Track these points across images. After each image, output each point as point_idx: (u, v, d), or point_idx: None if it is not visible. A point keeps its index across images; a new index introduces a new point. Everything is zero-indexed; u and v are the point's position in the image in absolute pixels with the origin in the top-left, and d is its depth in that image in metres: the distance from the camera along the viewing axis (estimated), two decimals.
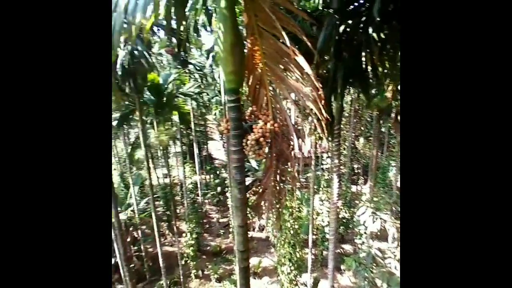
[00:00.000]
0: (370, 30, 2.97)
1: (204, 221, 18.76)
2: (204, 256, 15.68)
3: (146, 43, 6.38)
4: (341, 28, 3.05)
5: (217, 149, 28.45)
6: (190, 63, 12.34)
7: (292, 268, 11.68)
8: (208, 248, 16.67)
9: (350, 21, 3.00)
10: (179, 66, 10.66)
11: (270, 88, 2.58)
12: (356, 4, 3.07)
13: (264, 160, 2.85)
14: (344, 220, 15.23)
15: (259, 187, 3.10)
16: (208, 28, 6.15)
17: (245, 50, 2.44)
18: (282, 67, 2.37)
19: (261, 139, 2.51)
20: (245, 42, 2.43)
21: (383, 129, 18.03)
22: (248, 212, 3.33)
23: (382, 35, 3.11)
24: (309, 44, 2.20)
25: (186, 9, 2.53)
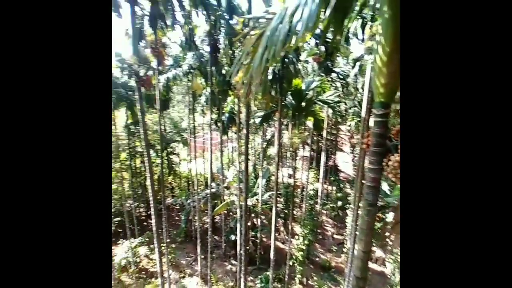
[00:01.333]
0: None
1: (318, 231, 18.37)
2: (311, 266, 15.41)
3: (296, 51, 6.81)
4: None
5: (344, 161, 27.07)
6: (334, 71, 12.23)
7: None
8: (317, 259, 16.23)
9: None
10: (322, 74, 10.80)
11: None
12: None
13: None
14: None
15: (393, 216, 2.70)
16: (360, 37, 5.86)
17: None
18: None
19: None
20: None
21: None
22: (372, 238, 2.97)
23: None
24: None
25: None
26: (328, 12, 2.11)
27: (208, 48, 8.90)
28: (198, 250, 14.17)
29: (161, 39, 7.62)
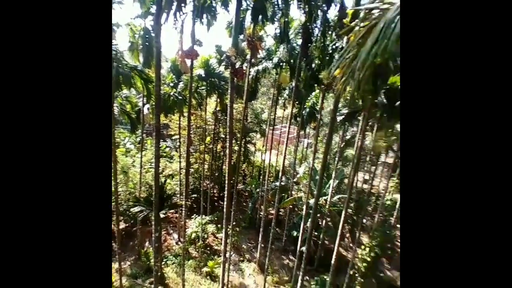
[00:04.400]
0: None
1: (389, 245, 16.71)
2: (373, 280, 14.21)
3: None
4: None
5: None
6: None
7: None
8: (382, 274, 14.87)
9: None
10: None
11: None
12: None
13: None
14: None
15: None
16: None
17: None
18: None
19: None
20: None
21: None
22: None
23: None
24: None
25: None
26: None
27: (300, 41, 8.86)
28: (260, 239, 14.67)
29: (258, 32, 7.94)
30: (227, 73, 12.22)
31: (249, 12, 6.36)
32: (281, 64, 11.62)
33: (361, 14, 2.88)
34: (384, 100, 8.59)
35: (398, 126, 11.40)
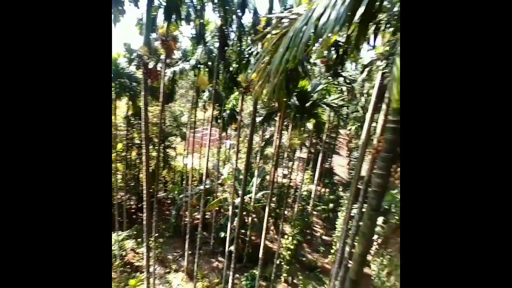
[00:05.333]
0: None
1: (307, 231, 18.56)
2: (298, 265, 15.56)
3: (305, 52, 6.86)
4: None
5: (340, 165, 27.35)
6: (341, 75, 12.37)
7: None
8: (304, 259, 16.41)
9: None
10: (329, 77, 10.91)
11: None
12: None
13: (393, 192, 2.51)
14: None
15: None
16: (371, 43, 5.94)
17: None
18: None
19: None
20: None
21: None
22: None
23: None
24: None
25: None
26: (357, 16, 2.15)
27: (217, 44, 8.89)
28: (186, 246, 14.16)
29: (172, 32, 7.58)
30: (139, 73, 11.28)
31: (161, 10, 6.03)
32: (199, 66, 11.43)
33: (273, 22, 3.08)
34: (296, 102, 9.48)
35: (309, 125, 12.77)
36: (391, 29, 5.41)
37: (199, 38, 8.69)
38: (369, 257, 15.45)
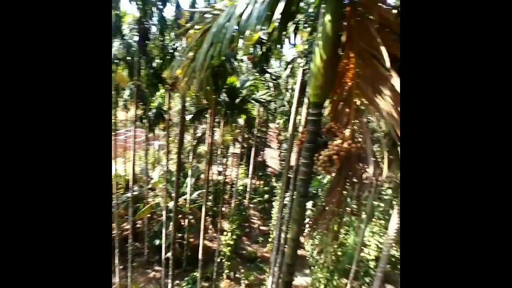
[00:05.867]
0: None
1: (246, 224, 19.01)
2: (238, 259, 15.83)
3: (232, 49, 6.93)
4: None
5: (272, 157, 28.71)
6: (267, 72, 12.89)
7: None
8: (244, 252, 16.79)
9: None
10: (256, 74, 11.26)
11: (355, 107, 2.54)
12: None
13: (319, 177, 2.79)
14: (393, 259, 13.72)
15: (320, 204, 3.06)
16: (292, 41, 6.38)
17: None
18: (374, 88, 2.32)
19: (335, 156, 2.47)
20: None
21: None
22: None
23: None
24: None
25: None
26: (276, 14, 2.26)
27: (137, 38, 8.15)
28: (116, 261, 12.87)
29: None
30: None
31: None
32: (116, 61, 10.32)
33: (196, 17, 2.99)
34: (226, 98, 9.52)
35: (240, 121, 12.95)
36: (309, 29, 5.90)
37: (115, 31, 7.83)
38: (303, 240, 16.79)
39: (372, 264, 12.26)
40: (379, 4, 2.23)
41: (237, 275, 14.87)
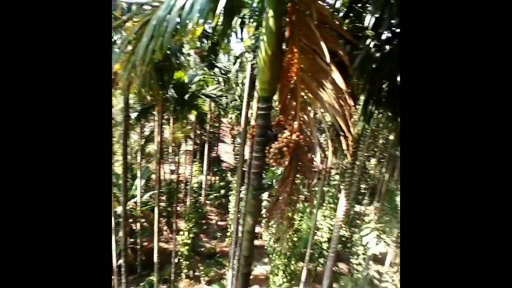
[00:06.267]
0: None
1: (203, 221, 18.76)
2: (197, 257, 15.61)
3: (178, 43, 6.61)
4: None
5: (226, 152, 28.60)
6: (216, 66, 12.62)
7: (285, 280, 11.57)
8: (203, 249, 16.61)
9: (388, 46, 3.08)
10: (205, 68, 10.94)
11: (301, 100, 2.66)
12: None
13: (273, 168, 2.88)
14: (343, 239, 15.01)
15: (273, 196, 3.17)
16: (239, 36, 6.36)
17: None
18: (317, 81, 2.45)
19: (285, 148, 2.56)
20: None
21: (396, 153, 17.81)
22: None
23: None
24: (346, 62, 2.29)
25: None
26: (219, 8, 2.21)
27: None
28: None
29: None
30: None
31: None
32: None
33: (133, 8, 2.77)
34: (175, 94, 9.11)
35: (191, 117, 12.57)
36: (254, 23, 5.94)
37: None
38: (261, 230, 17.21)
39: (325, 245, 13.20)
40: (317, 1, 2.34)
41: (196, 273, 14.66)
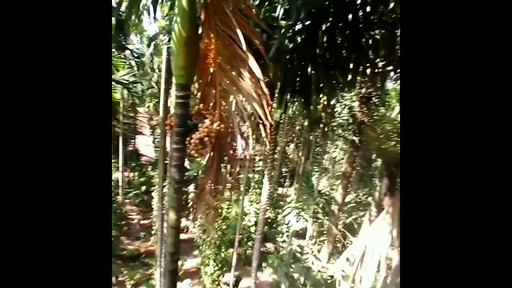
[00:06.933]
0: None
1: (123, 223, 17.16)
2: (119, 261, 14.31)
3: None
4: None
5: (145, 144, 26.44)
6: (128, 49, 11.21)
7: (216, 268, 11.73)
8: (125, 252, 15.32)
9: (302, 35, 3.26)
10: (114, 51, 9.58)
11: (220, 88, 2.60)
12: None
13: (198, 159, 2.81)
14: (269, 220, 16.05)
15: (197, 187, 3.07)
16: (152, 15, 5.76)
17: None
18: (235, 69, 2.42)
19: (206, 138, 2.50)
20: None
21: (311, 138, 19.77)
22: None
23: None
24: (262, 51, 2.32)
25: None
26: None
27: None
28: None
29: None
30: None
31: None
32: None
33: None
34: None
35: None
36: (169, 3, 5.47)
37: None
38: (190, 224, 16.80)
39: (253, 229, 13.84)
40: None
41: (120, 279, 13.45)
